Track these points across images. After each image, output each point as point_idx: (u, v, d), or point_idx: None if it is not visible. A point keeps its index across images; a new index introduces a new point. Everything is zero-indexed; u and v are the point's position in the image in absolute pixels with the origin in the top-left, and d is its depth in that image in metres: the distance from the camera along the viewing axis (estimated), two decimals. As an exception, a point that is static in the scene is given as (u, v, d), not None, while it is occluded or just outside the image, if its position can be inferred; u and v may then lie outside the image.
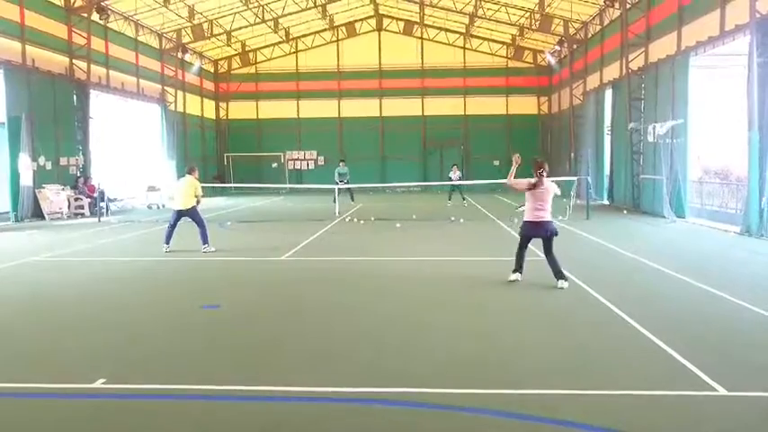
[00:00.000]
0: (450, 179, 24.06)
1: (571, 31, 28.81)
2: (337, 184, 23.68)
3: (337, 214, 19.15)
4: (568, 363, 5.31)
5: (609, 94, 24.19)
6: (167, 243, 11.91)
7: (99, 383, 4.83)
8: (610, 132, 24.23)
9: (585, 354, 5.56)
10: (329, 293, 8.34)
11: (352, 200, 24.46)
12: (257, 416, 4.32)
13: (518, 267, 8.77)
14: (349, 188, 24.56)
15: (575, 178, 21.75)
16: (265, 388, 4.78)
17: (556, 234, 8.47)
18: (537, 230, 8.47)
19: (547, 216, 8.45)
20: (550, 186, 8.54)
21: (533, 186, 8.42)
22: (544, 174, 8.50)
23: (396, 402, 4.44)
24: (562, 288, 8.17)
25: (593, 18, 26.69)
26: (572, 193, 19.44)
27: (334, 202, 22.22)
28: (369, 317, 7.02)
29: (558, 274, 8.38)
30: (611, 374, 4.99)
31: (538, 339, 6.00)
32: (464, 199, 23.46)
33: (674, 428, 4.01)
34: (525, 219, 8.61)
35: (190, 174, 12.24)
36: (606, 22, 25.30)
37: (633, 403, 4.41)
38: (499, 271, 9.73)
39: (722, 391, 4.54)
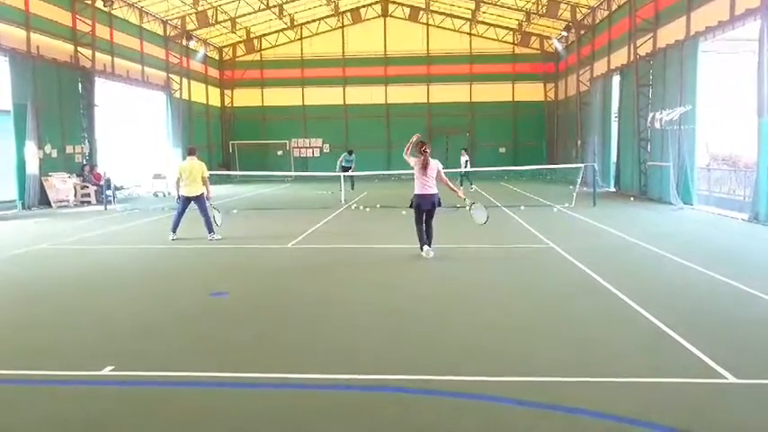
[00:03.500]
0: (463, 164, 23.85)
1: (578, 16, 28.55)
2: (344, 170, 23.70)
3: (343, 202, 19.13)
4: (577, 351, 5.28)
5: (616, 80, 23.99)
6: (174, 231, 11.90)
7: (107, 371, 4.84)
8: (617, 119, 24.07)
9: (594, 341, 5.53)
10: (335, 281, 8.34)
11: (352, 187, 23.92)
12: (269, 403, 4.32)
13: (422, 243, 9.67)
14: (351, 176, 24.17)
15: (581, 165, 21.62)
16: (276, 375, 4.77)
17: (439, 205, 9.61)
18: (425, 201, 9.51)
19: (432, 189, 9.54)
20: (434, 164, 9.56)
21: (424, 165, 9.46)
22: (427, 152, 9.54)
23: (412, 390, 4.43)
24: (428, 256, 9.44)
25: (601, 3, 26.42)
26: (578, 180, 19.34)
27: (342, 189, 22.36)
28: (378, 304, 7.01)
29: (429, 242, 9.63)
30: (620, 362, 4.96)
31: (546, 328, 5.98)
32: (471, 184, 23.24)
33: (683, 416, 3.99)
34: (416, 192, 9.59)
35: (191, 155, 12.03)
36: (614, 7, 25.03)
37: (643, 391, 4.38)
38: (506, 258, 9.72)
39: (732, 379, 4.52)
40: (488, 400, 4.25)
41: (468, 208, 10.19)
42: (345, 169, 23.94)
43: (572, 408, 4.09)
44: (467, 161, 24.19)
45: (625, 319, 6.19)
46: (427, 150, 9.55)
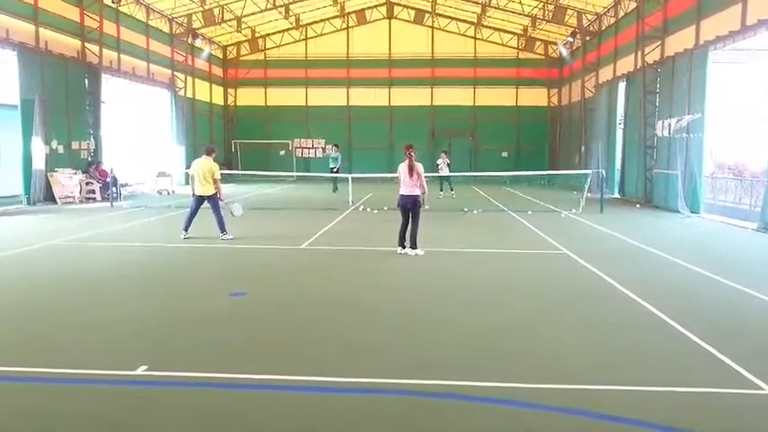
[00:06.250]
0: (438, 167, 21.80)
1: (585, 22, 28.61)
2: (331, 171, 23.69)
3: (351, 203, 19.12)
4: (607, 358, 5.29)
5: (622, 86, 24.04)
6: (186, 230, 11.86)
7: (141, 371, 4.82)
8: (622, 125, 24.12)
9: (621, 349, 5.53)
10: (353, 283, 8.33)
11: (335, 190, 23.56)
12: (298, 405, 4.31)
13: (401, 242, 10.31)
14: (336, 177, 23.78)
15: (589, 171, 21.66)
16: (305, 378, 4.76)
17: (419, 205, 10.19)
18: (405, 202, 10.19)
19: (415, 191, 10.15)
20: (417, 167, 10.13)
21: (410, 168, 10.05)
22: (413, 155, 10.11)
23: (436, 395, 4.43)
24: (416, 255, 10.04)
25: (608, 10, 26.49)
26: (586, 186, 19.38)
27: (335, 191, 22.70)
28: (394, 306, 7.00)
29: (413, 244, 10.19)
30: (651, 370, 4.96)
31: (571, 335, 5.98)
32: (452, 190, 21.79)
33: (720, 427, 4.00)
34: (401, 192, 10.25)
35: (207, 155, 12.09)
36: (621, 14, 25.10)
37: (673, 399, 4.39)
38: (523, 263, 9.72)
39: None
40: (519, 406, 4.25)
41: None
42: (333, 170, 23.90)
43: (604, 414, 4.10)
44: (448, 164, 22.02)
45: (650, 327, 6.19)
46: (412, 154, 10.15)
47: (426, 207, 10.57)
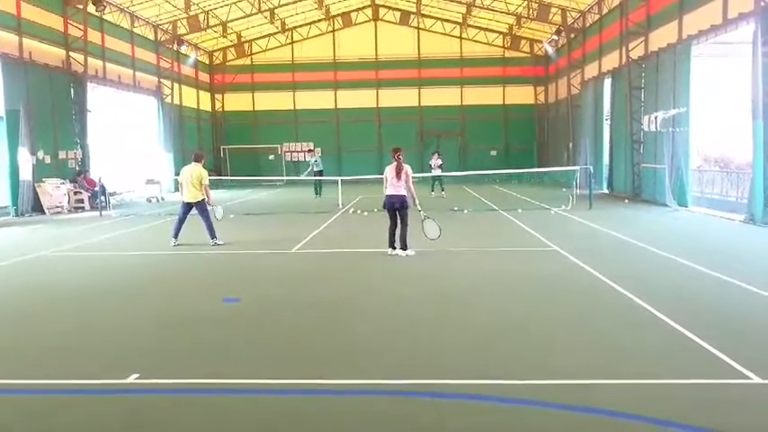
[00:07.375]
0: (431, 167, 21.71)
1: (569, 20, 28.78)
2: (314, 175, 23.55)
3: (340, 206, 19.12)
4: (599, 353, 5.34)
5: (608, 83, 24.20)
6: (175, 237, 11.83)
7: (132, 379, 4.81)
8: (609, 121, 24.27)
9: (613, 344, 5.58)
10: (344, 286, 8.34)
11: (320, 194, 23.39)
12: (297, 408, 4.32)
13: (391, 243, 10.32)
14: (321, 181, 23.70)
15: (577, 168, 21.77)
16: (299, 381, 4.76)
17: (407, 206, 10.15)
18: (393, 202, 10.17)
19: (402, 191, 10.16)
20: (406, 168, 10.22)
21: (398, 170, 10.12)
22: (401, 157, 10.20)
23: (434, 394, 4.45)
24: (407, 256, 10.05)
25: (592, 7, 26.67)
26: (575, 183, 19.47)
27: (316, 195, 22.79)
28: (390, 308, 7.02)
29: (404, 245, 10.20)
30: (641, 364, 5.01)
31: (565, 332, 6.01)
32: (442, 190, 21.68)
33: (708, 416, 4.04)
34: (387, 193, 10.24)
35: (196, 161, 12.10)
36: (605, 10, 25.28)
37: (667, 392, 4.43)
38: (514, 261, 9.76)
39: (756, 380, 4.58)
40: (517, 404, 4.27)
41: (421, 219, 10.47)
42: (316, 174, 23.73)
43: (596, 408, 4.14)
44: (440, 165, 21.80)
45: (641, 321, 6.24)
46: (401, 157, 10.23)
47: (419, 209, 10.38)
